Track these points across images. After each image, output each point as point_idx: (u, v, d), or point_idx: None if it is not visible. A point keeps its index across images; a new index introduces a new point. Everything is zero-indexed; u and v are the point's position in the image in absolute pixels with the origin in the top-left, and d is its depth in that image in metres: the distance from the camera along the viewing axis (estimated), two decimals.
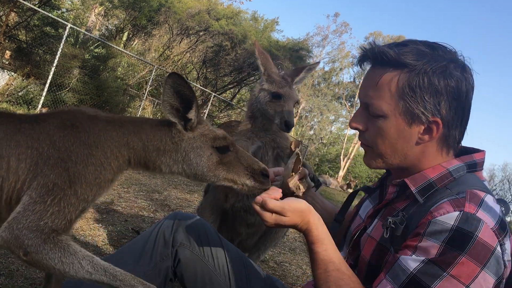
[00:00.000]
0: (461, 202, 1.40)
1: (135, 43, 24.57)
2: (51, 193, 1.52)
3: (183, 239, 2.07)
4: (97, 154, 1.66)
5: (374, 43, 1.62)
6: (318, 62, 4.84)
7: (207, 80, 25.11)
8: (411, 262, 1.37)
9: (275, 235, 3.25)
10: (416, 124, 1.55)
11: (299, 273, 4.40)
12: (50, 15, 15.92)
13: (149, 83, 19.00)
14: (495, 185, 52.22)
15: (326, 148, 54.72)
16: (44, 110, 11.39)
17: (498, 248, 1.34)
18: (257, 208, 1.61)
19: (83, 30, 18.74)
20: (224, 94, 27.29)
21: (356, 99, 47.97)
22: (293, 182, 1.79)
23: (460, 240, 1.33)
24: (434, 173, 1.57)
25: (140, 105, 18.72)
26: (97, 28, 23.02)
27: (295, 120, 2.76)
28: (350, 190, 23.68)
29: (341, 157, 49.02)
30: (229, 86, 26.87)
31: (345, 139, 50.27)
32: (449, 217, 1.37)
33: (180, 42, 23.46)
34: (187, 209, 5.96)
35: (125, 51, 19.50)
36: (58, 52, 14.39)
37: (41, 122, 1.66)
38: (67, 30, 14.47)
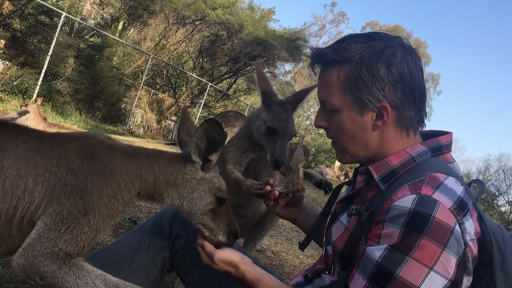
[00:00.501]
0: (419, 185, 1.43)
1: (130, 32, 24.41)
2: (66, 222, 1.56)
3: (180, 230, 2.07)
4: (112, 185, 1.69)
5: (314, 47, 1.71)
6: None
7: (203, 70, 24.98)
8: (376, 251, 1.41)
9: (270, 224, 3.24)
10: (367, 112, 1.60)
11: (296, 263, 4.41)
12: (45, 3, 15.81)
13: (145, 73, 18.90)
14: (491, 175, 52.42)
15: (322, 138, 54.77)
16: (39, 100, 11.28)
17: (457, 228, 1.36)
18: (198, 247, 1.81)
19: (78, 19, 18.59)
20: (220, 84, 27.15)
21: None
22: (301, 174, 1.97)
23: (418, 222, 1.35)
24: (397, 159, 1.60)
25: (136, 95, 18.61)
26: (92, 17, 22.80)
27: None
28: (346, 180, 23.72)
29: None
30: (226, 76, 26.75)
31: None
32: (405, 201, 1.40)
33: (176, 32, 23.30)
34: None
35: (120, 40, 19.35)
36: (53, 41, 14.28)
37: (61, 147, 1.68)
38: (62, 18, 14.35)
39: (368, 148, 1.67)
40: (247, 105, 27.19)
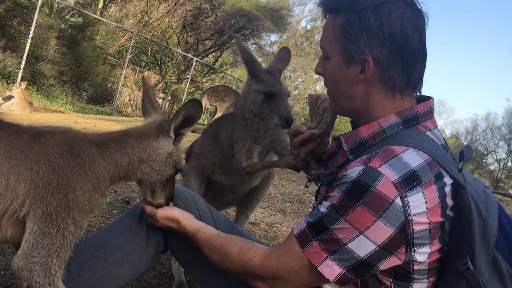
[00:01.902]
0: (371, 158, 1.48)
1: (111, 10, 23.91)
2: (55, 223, 1.62)
3: None
4: (92, 179, 1.73)
5: None
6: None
7: (188, 44, 24.66)
8: (322, 207, 1.51)
9: (261, 195, 3.27)
10: (353, 64, 1.62)
11: None
12: None
13: (129, 51, 18.63)
14: (479, 135, 53.00)
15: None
16: (23, 84, 11.16)
17: (397, 201, 1.39)
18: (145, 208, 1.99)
19: None
20: (206, 58, 26.86)
21: None
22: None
23: (357, 191, 1.42)
24: (368, 131, 1.63)
25: (121, 74, 18.38)
26: None
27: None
28: None
29: None
30: (211, 49, 26.44)
31: None
32: (353, 171, 1.46)
33: (158, 7, 22.90)
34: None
35: (102, 18, 19.00)
36: (33, 23, 13.99)
37: (39, 143, 1.68)
38: None
39: (352, 101, 1.69)
40: (234, 78, 27.01)
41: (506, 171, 50.03)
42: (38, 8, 14.12)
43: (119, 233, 2.08)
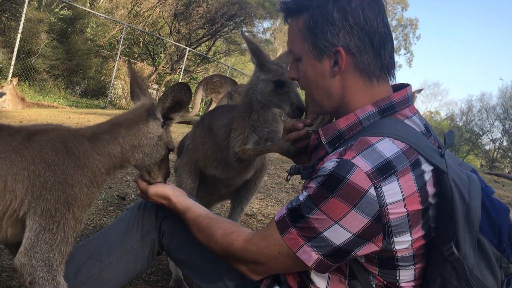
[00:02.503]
0: (346, 150, 1.50)
1: (101, 1, 23.67)
2: (55, 219, 1.66)
3: (166, 211, 2.09)
4: (88, 174, 1.76)
5: (281, 0, 1.77)
6: None
7: (181, 34, 24.44)
8: (301, 196, 1.55)
9: (255, 187, 3.25)
10: (325, 58, 1.65)
11: None
12: None
13: (121, 42, 18.47)
14: (474, 115, 53.03)
15: (303, 93, 54.67)
16: (14, 80, 11.07)
17: (371, 191, 1.41)
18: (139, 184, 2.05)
19: None
20: (199, 48, 26.70)
21: None
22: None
23: (331, 182, 1.45)
24: (345, 123, 1.65)
25: (114, 66, 18.24)
26: None
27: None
28: None
29: None
30: (204, 39, 26.23)
31: None
32: (329, 164, 1.49)
33: None
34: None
35: (92, 11, 18.83)
36: (22, 17, 13.90)
37: (33, 143, 1.70)
38: None
39: (331, 97, 1.70)
40: (228, 66, 26.90)
41: (501, 151, 50.19)
42: (26, 2, 13.98)
43: (115, 235, 2.10)
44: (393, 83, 1.77)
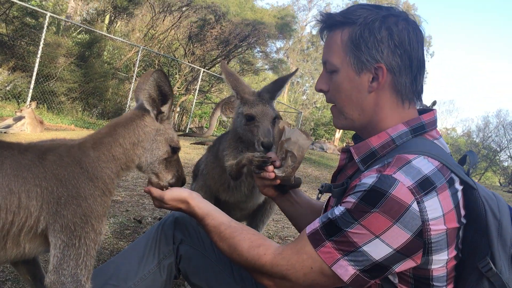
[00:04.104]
0: (385, 167, 1.49)
1: (118, 25, 24.16)
2: (76, 234, 1.68)
3: (183, 235, 2.11)
4: (99, 184, 1.78)
5: (324, 12, 1.77)
6: (297, 70, 4.25)
7: (195, 55, 24.80)
8: (337, 209, 1.51)
9: (270, 210, 3.25)
10: (364, 73, 1.65)
11: None
12: (28, 5, 15.64)
13: (137, 65, 18.76)
14: (491, 131, 52.38)
15: (320, 111, 54.68)
16: (33, 104, 11.27)
17: (414, 206, 1.40)
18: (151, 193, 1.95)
19: (63, 18, 18.41)
20: (213, 68, 26.99)
21: None
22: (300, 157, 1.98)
23: (373, 197, 1.43)
24: (377, 141, 1.66)
25: (130, 88, 18.51)
26: (77, 13, 22.56)
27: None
28: None
29: None
30: (218, 59, 26.54)
31: None
32: (368, 179, 1.47)
33: (164, 20, 23.08)
34: None
35: (108, 35, 19.19)
36: (41, 42, 14.19)
37: (42, 160, 1.73)
38: (47, 19, 14.25)
39: (363, 112, 1.70)
40: None
41: None
42: (45, 27, 14.32)
43: (132, 259, 2.10)
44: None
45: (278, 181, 2.04)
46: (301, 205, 2.15)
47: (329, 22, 1.74)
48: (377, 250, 1.44)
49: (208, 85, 27.27)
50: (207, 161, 3.18)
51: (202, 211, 1.86)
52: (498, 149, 49.83)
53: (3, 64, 17.24)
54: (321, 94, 1.84)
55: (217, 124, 22.70)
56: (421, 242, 1.43)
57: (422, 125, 1.66)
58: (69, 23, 19.04)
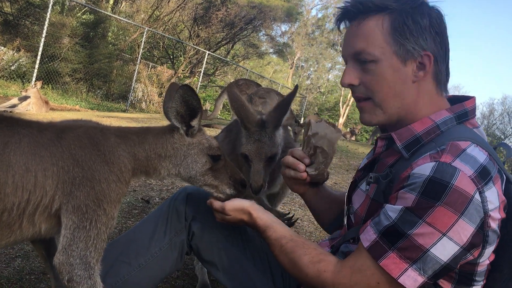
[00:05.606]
0: (440, 153, 1.42)
1: (122, 6, 23.97)
2: (87, 216, 1.66)
3: (195, 212, 2.09)
4: (115, 170, 1.76)
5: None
6: (297, 86, 3.18)
7: (200, 38, 24.63)
8: (392, 210, 1.42)
9: (282, 195, 3.23)
10: (410, 62, 1.59)
11: (312, 229, 4.45)
12: None
13: (141, 46, 18.64)
14: (495, 119, 52.24)
15: (324, 96, 54.52)
16: (38, 84, 11.23)
17: (477, 196, 1.34)
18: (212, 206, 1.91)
19: None
20: (218, 51, 26.87)
21: None
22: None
23: (435, 189, 1.35)
24: (421, 127, 1.58)
25: (134, 70, 18.43)
26: None
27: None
28: (354, 138, 23.64)
29: (340, 104, 48.87)
30: (223, 42, 26.43)
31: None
32: (424, 168, 1.39)
33: (169, 1, 22.89)
34: None
35: (113, 15, 19.04)
36: (46, 22, 14.09)
37: (60, 139, 1.72)
38: None
39: (402, 105, 1.62)
40: (247, 70, 26.94)
41: None
42: (50, 6, 14.20)
43: (143, 236, 2.09)
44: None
45: (309, 179, 1.96)
46: (326, 199, 2.10)
47: (362, 8, 1.61)
48: (445, 250, 1.35)
49: (213, 68, 27.17)
50: (223, 150, 3.11)
51: (264, 223, 1.79)
52: (502, 136, 49.69)
53: (8, 43, 17.15)
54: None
55: (221, 108, 22.65)
56: (481, 235, 1.37)
57: (466, 112, 1.60)
58: (74, 3, 18.86)
